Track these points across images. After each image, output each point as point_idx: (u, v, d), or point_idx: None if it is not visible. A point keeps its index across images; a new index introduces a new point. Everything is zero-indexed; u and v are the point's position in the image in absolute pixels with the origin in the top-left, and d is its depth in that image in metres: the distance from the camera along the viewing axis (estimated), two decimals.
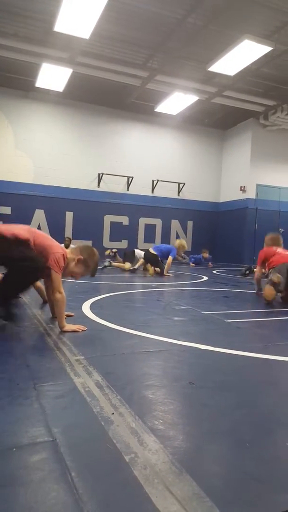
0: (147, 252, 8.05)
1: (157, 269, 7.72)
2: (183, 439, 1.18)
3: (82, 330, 2.54)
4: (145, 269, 8.24)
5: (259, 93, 11.22)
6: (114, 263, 8.79)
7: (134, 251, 8.90)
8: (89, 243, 12.39)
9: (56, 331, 2.49)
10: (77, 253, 2.76)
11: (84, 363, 1.85)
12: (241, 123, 13.30)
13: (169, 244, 9.21)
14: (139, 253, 8.67)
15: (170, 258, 7.74)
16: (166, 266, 7.64)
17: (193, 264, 11.60)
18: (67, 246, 10.99)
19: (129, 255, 8.80)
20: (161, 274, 7.56)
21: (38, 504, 0.86)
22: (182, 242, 8.29)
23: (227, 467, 1.06)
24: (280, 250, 4.76)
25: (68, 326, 2.53)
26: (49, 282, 2.77)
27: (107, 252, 9.37)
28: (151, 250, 7.93)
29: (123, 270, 8.40)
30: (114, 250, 9.31)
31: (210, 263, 11.70)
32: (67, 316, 3.00)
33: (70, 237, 11.42)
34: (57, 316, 2.60)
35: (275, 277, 4.24)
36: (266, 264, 4.74)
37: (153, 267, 7.84)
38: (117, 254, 9.61)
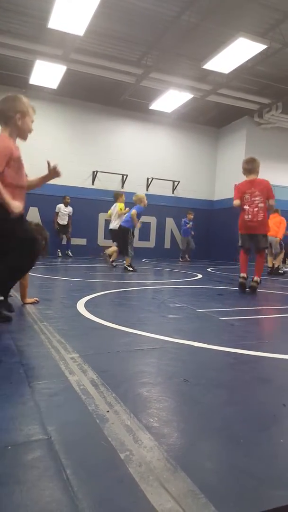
0: (119, 229, 7.74)
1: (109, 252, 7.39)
2: (177, 436, 1.19)
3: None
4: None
5: (254, 91, 11.24)
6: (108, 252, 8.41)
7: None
8: (83, 240, 12.38)
9: (50, 329, 2.48)
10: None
11: (79, 361, 1.85)
12: (236, 121, 13.31)
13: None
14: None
15: (133, 211, 7.47)
16: (134, 222, 7.49)
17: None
18: (66, 204, 11.40)
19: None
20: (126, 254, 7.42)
21: (33, 502, 0.86)
22: (139, 196, 7.86)
23: (222, 464, 1.06)
24: (256, 193, 4.81)
25: (15, 204, 2.40)
26: None
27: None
28: (123, 225, 7.64)
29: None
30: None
31: (191, 231, 12.33)
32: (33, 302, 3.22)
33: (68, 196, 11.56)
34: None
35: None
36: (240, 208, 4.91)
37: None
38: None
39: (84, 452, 1.08)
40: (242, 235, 5.04)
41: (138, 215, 7.54)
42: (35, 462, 1.01)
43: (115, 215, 8.46)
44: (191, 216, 12.40)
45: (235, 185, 5.09)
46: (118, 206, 8.49)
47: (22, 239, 2.49)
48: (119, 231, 7.74)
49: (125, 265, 7.49)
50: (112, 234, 8.49)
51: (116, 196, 8.71)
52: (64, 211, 11.34)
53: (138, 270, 7.54)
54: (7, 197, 2.36)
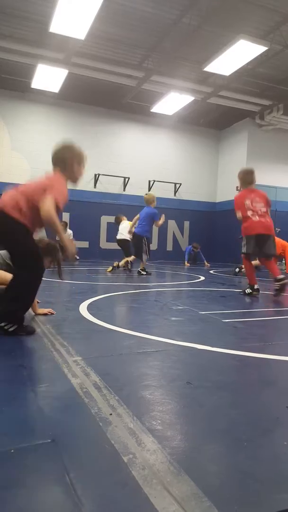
0: (133, 237, 7.73)
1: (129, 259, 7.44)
2: (181, 439, 1.19)
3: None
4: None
5: (255, 93, 11.25)
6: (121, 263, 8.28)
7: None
8: (86, 243, 12.38)
9: (53, 332, 2.49)
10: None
11: (82, 364, 1.85)
12: (237, 123, 13.33)
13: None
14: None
15: (157, 222, 7.53)
16: (160, 221, 7.51)
17: (188, 264, 11.69)
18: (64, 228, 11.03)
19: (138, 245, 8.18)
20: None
21: (36, 506, 0.86)
22: (150, 195, 7.84)
23: (225, 467, 1.06)
24: (256, 199, 4.80)
25: (72, 246, 2.46)
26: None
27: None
28: (136, 233, 7.59)
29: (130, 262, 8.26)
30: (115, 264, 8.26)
31: (206, 263, 11.72)
32: (47, 314, 3.04)
33: (66, 221, 11.25)
34: (57, 233, 2.43)
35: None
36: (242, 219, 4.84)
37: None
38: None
39: (87, 455, 1.08)
40: (249, 238, 4.80)
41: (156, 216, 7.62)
42: (38, 466, 1.01)
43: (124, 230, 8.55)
44: (196, 250, 12.04)
45: (235, 197, 5.01)
46: (128, 223, 8.56)
47: (35, 259, 2.48)
48: (133, 238, 7.71)
49: (139, 269, 7.54)
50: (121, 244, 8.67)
51: (119, 219, 8.97)
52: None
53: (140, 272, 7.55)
54: (67, 239, 2.47)
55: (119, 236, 8.72)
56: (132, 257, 8.14)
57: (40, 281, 2.54)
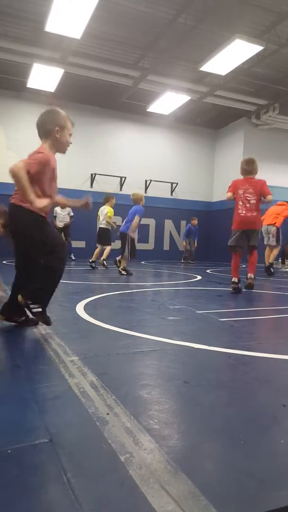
0: (120, 235, 7.62)
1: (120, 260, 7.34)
2: (178, 438, 1.18)
3: None
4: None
5: (251, 93, 11.28)
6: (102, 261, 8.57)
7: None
8: (82, 243, 12.36)
9: (49, 332, 2.48)
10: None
11: (79, 364, 1.84)
12: (233, 123, 13.35)
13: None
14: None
15: (136, 217, 7.28)
16: (132, 227, 7.23)
17: (185, 244, 12.44)
18: (63, 206, 10.94)
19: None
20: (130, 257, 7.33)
21: (34, 506, 0.86)
22: (137, 195, 7.67)
23: (223, 465, 1.06)
24: (250, 190, 4.89)
25: (40, 201, 2.36)
26: None
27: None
28: (121, 231, 7.50)
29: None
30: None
31: (195, 243, 12.32)
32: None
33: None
34: (22, 190, 2.32)
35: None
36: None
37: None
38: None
39: (84, 455, 1.07)
40: (235, 232, 5.00)
41: (140, 218, 7.42)
42: (35, 466, 1.01)
43: (104, 216, 8.65)
44: (195, 222, 12.52)
45: (233, 181, 5.13)
46: (108, 210, 8.60)
47: (54, 244, 2.50)
48: (120, 236, 7.63)
49: (119, 269, 7.37)
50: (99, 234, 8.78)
51: (106, 199, 8.89)
52: (62, 213, 11.01)
53: (137, 273, 7.53)
54: (32, 196, 2.35)
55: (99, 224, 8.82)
56: (107, 248, 8.43)
57: (64, 263, 2.57)
